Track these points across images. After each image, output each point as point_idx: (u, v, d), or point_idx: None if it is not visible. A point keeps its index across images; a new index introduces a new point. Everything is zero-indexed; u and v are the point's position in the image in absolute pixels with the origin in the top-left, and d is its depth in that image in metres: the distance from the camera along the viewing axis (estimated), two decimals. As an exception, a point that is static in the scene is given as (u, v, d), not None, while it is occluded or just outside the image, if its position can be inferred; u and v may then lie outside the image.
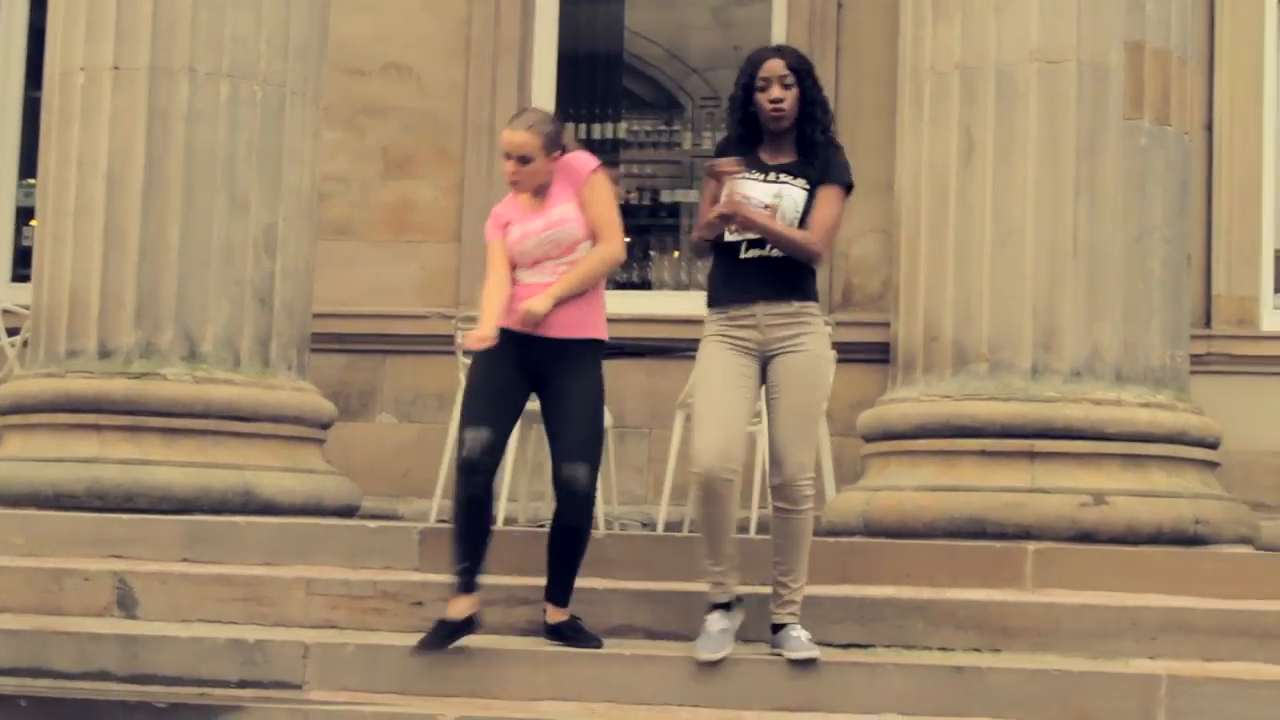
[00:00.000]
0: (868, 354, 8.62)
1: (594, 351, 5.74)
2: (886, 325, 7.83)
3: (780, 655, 5.44)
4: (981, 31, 6.75)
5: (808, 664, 5.39)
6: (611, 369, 8.33)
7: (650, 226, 10.45)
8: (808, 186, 5.48)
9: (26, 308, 8.08)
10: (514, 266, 5.74)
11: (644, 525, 8.57)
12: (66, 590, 6.30)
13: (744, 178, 5.42)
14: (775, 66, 5.48)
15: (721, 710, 5.44)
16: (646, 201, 10.43)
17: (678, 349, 8.34)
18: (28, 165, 10.11)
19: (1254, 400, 8.72)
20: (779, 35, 10.02)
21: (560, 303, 5.59)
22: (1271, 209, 9.28)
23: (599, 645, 5.66)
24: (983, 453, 6.53)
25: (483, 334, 5.55)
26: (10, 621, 6.12)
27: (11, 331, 8.75)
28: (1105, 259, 6.65)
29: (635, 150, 10.75)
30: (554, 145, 5.71)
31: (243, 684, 5.77)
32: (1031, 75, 6.67)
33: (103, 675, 5.84)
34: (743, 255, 5.45)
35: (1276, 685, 5.48)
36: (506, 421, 5.69)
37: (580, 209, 5.68)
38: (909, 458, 6.75)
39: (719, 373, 5.44)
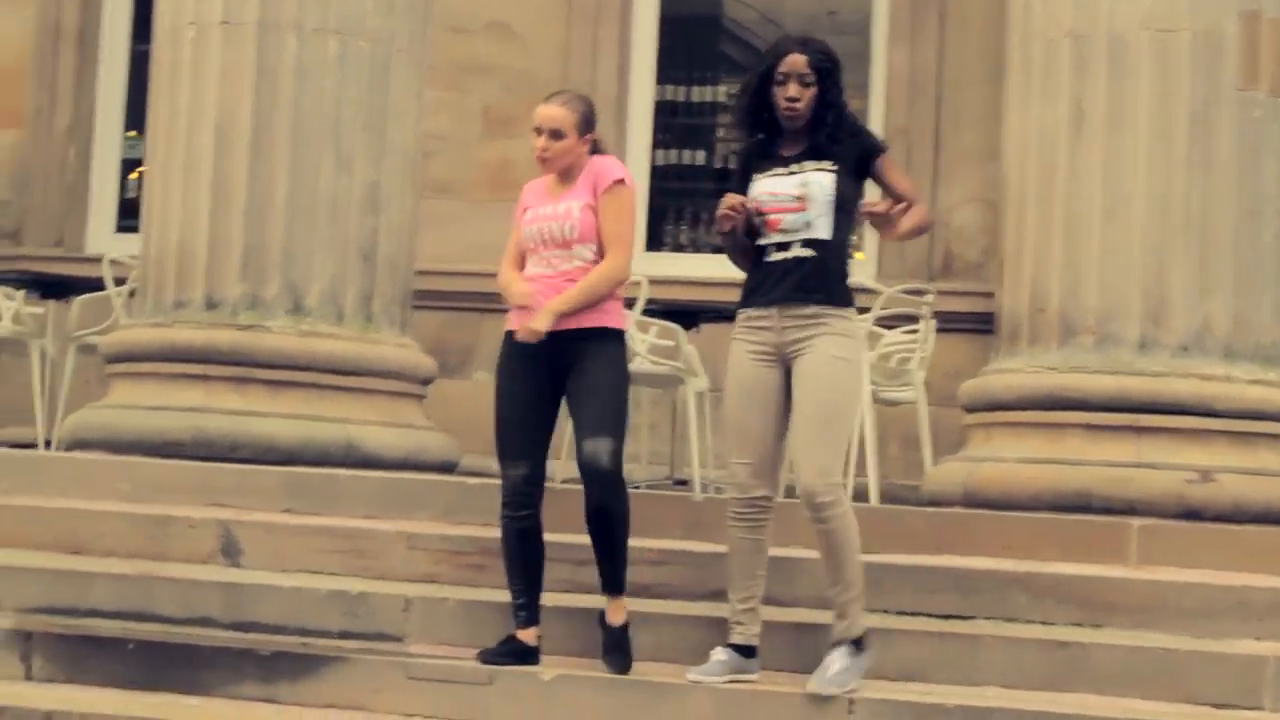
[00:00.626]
0: (967, 323, 8.54)
1: (610, 337, 5.48)
2: (985, 295, 7.77)
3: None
4: (1094, -2, 6.64)
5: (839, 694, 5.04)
6: (707, 334, 8.35)
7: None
8: (834, 166, 5.15)
9: (133, 258, 8.18)
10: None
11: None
12: (172, 537, 6.35)
13: (769, 175, 5.22)
14: (796, 62, 5.16)
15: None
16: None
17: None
18: (132, 118, 10.23)
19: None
20: (881, 3, 9.92)
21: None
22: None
23: (626, 671, 5.35)
24: (1088, 426, 6.44)
25: (536, 327, 5.33)
26: (118, 566, 6.19)
27: (118, 281, 8.80)
28: (1217, 232, 6.53)
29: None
30: (587, 126, 5.52)
31: (344, 634, 5.82)
32: (1144, 44, 6.55)
33: (206, 621, 5.90)
34: (768, 258, 5.19)
35: (1386, 669, 5.40)
36: (543, 443, 5.51)
37: (590, 210, 5.44)
38: (1012, 429, 6.68)
39: (743, 393, 5.23)
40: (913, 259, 9.69)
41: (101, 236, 10.30)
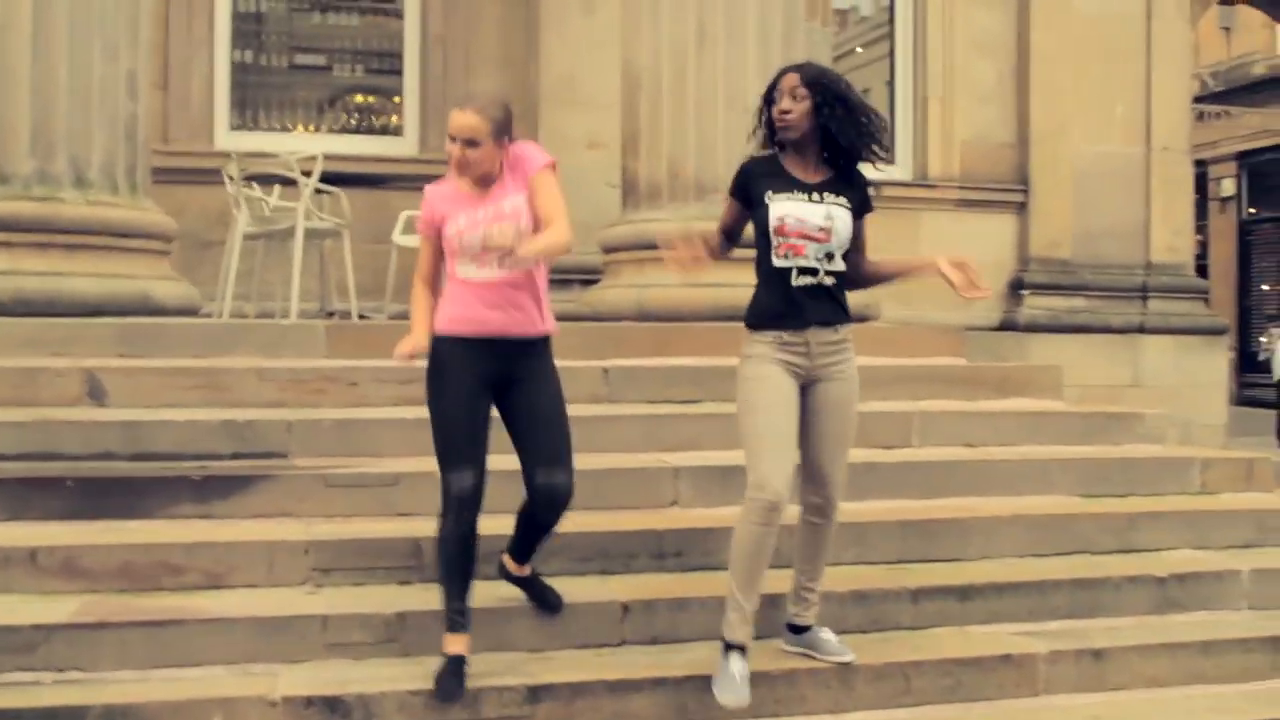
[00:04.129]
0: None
1: (549, 346, 4.19)
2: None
3: (812, 655, 4.36)
4: (712, -56, 6.73)
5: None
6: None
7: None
8: (849, 205, 4.15)
9: None
10: (450, 258, 4.09)
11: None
12: (40, 385, 5.37)
13: (788, 199, 4.11)
14: (789, 80, 4.16)
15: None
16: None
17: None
18: None
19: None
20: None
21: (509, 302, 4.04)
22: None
23: (559, 611, 4.37)
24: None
25: (416, 345, 4.06)
26: (13, 414, 5.15)
27: None
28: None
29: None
30: (503, 132, 4.01)
31: (236, 456, 5.20)
32: (751, -20, 6.75)
33: (108, 456, 5.10)
34: (794, 282, 4.10)
35: (981, 414, 6.09)
36: (485, 447, 4.07)
37: (529, 202, 4.04)
38: (657, 264, 6.65)
39: (776, 401, 4.10)
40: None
41: None
